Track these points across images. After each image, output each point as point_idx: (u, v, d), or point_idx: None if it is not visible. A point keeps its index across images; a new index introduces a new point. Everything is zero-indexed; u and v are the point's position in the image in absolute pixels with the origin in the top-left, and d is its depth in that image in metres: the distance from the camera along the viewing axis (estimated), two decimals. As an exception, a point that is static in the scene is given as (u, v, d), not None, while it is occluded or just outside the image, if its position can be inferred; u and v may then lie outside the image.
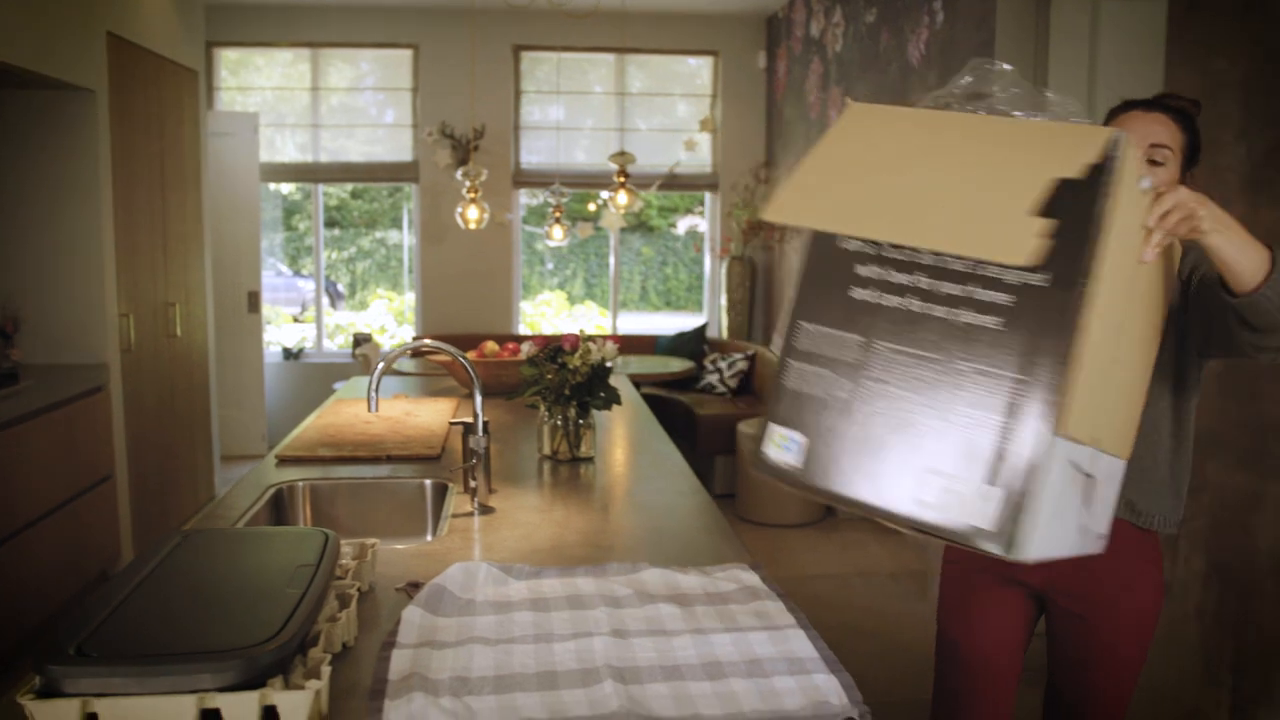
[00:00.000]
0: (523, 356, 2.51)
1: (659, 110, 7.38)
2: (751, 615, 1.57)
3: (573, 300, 10.09)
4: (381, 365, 2.07)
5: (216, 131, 6.30)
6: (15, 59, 3.61)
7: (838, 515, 5.64)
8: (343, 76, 7.29)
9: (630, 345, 7.14)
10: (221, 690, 1.17)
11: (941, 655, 2.01)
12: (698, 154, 7.22)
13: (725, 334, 7.17)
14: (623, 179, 5.60)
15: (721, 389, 6.47)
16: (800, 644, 1.46)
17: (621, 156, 5.64)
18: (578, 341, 2.53)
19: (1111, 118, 1.79)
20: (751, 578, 1.73)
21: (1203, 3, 2.63)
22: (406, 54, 7.09)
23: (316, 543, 1.55)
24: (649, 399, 6.37)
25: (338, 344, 7.81)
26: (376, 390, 2.08)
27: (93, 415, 4.18)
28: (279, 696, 1.19)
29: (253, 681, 1.19)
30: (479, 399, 2.16)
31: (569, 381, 2.50)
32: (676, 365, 6.01)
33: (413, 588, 1.64)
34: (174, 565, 1.48)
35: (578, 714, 1.23)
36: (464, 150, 6.93)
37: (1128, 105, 1.79)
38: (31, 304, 4.25)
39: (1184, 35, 2.71)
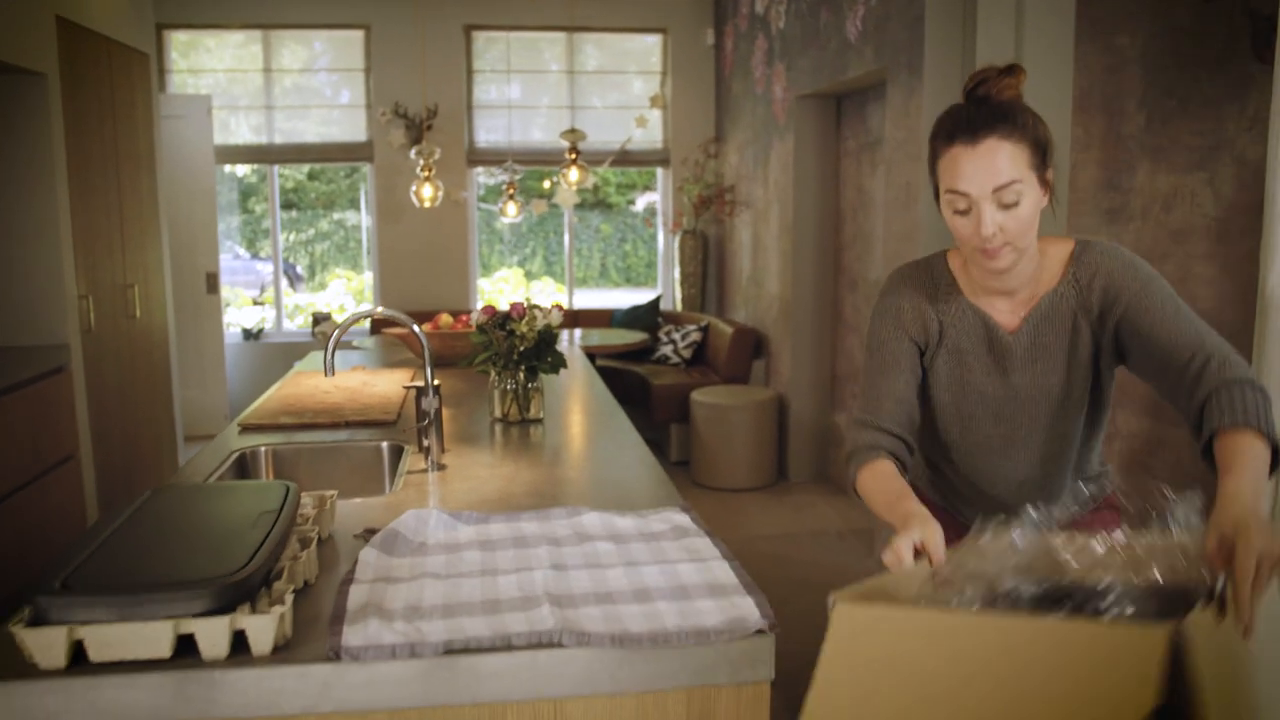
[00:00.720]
0: (472, 325, 2.63)
1: (612, 87, 7.49)
2: (680, 550, 1.72)
3: (530, 277, 10.20)
4: (337, 332, 2.19)
5: (169, 114, 6.34)
6: (-33, 45, 3.66)
7: (789, 480, 5.83)
8: (295, 58, 7.33)
9: (586, 319, 7.27)
10: (195, 616, 1.31)
11: None
12: (649, 130, 7.35)
13: (679, 306, 7.32)
14: (574, 156, 5.71)
15: (676, 360, 6.63)
16: (723, 572, 1.62)
17: (572, 134, 5.75)
18: (524, 309, 2.67)
19: (936, 154, 1.61)
20: (683, 519, 1.88)
21: (1110, -20, 2.80)
22: (358, 35, 7.14)
23: (278, 493, 1.68)
24: (605, 371, 6.52)
25: (297, 324, 7.88)
26: (332, 355, 2.20)
27: (55, 395, 4.25)
28: (247, 620, 1.32)
29: (223, 608, 1.32)
30: (429, 363, 2.29)
31: (517, 348, 2.63)
32: (630, 337, 6.16)
33: (369, 533, 1.78)
34: (146, 514, 1.60)
35: (517, 631, 1.38)
36: (418, 130, 7.00)
37: (949, 136, 1.58)
38: (-10, 287, 4.31)
39: (1090, 12, 2.88)
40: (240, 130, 7.22)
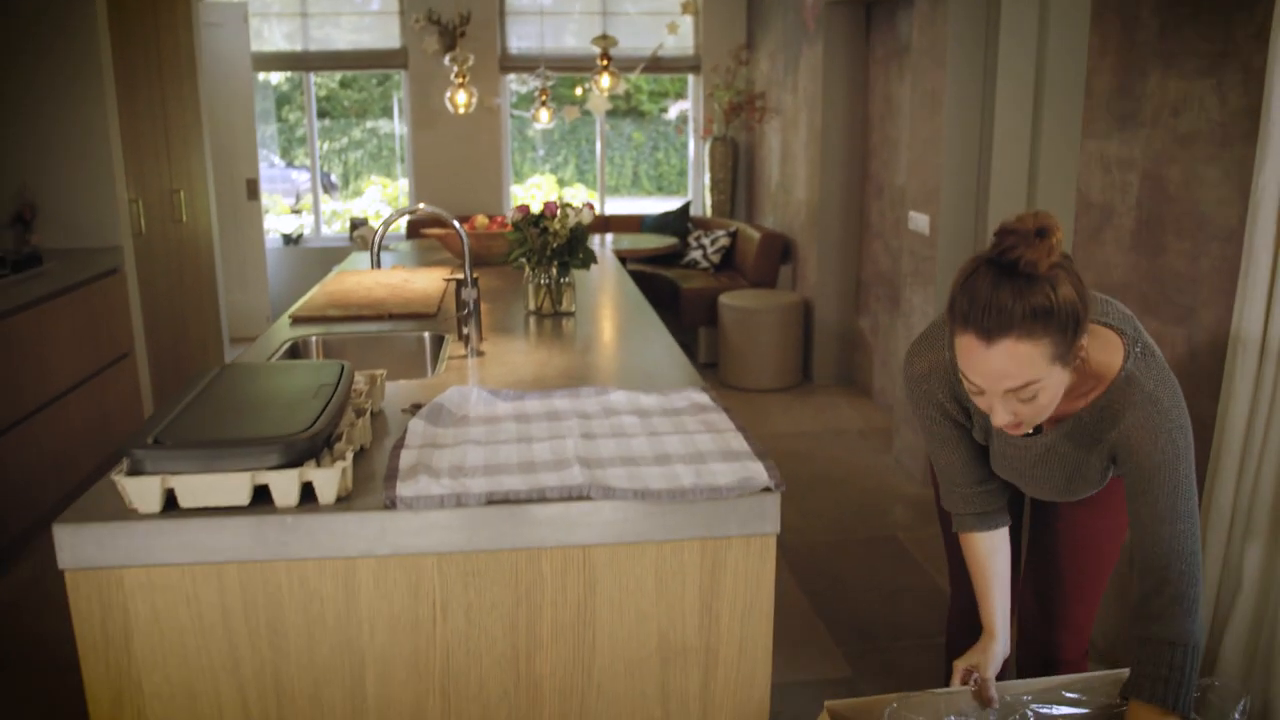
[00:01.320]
0: (508, 225, 2.78)
1: (642, -8, 7.48)
2: (699, 423, 1.89)
3: (562, 184, 10.27)
4: (383, 225, 2.35)
5: (207, 22, 6.43)
6: (18, -47, 3.78)
7: (814, 381, 5.99)
8: (328, -36, 7.36)
9: (617, 225, 7.39)
10: (269, 469, 1.49)
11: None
12: (681, 37, 7.35)
13: (709, 212, 7.41)
14: (605, 62, 5.77)
15: (705, 264, 6.75)
16: (736, 442, 1.78)
17: (604, 40, 5.79)
18: (557, 208, 2.81)
19: (952, 321, 1.47)
20: (702, 397, 2.05)
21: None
22: (390, -61, 7.15)
23: (335, 369, 1.86)
24: (635, 276, 6.66)
25: (334, 230, 8.05)
26: (378, 249, 2.37)
27: (110, 295, 4.47)
28: (314, 473, 1.51)
29: (293, 463, 1.51)
30: (468, 256, 2.45)
31: (550, 244, 2.78)
32: (659, 241, 6.28)
33: (415, 408, 1.96)
34: (219, 386, 1.79)
35: (550, 485, 1.56)
36: (451, 36, 7.05)
37: (964, 319, 1.43)
38: (47, 191, 4.50)
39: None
40: (274, 38, 7.30)
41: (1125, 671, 1.64)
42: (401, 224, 7.41)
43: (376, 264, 2.37)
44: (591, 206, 2.91)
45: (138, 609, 1.51)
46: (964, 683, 1.67)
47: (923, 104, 4.23)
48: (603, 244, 5.56)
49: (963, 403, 1.71)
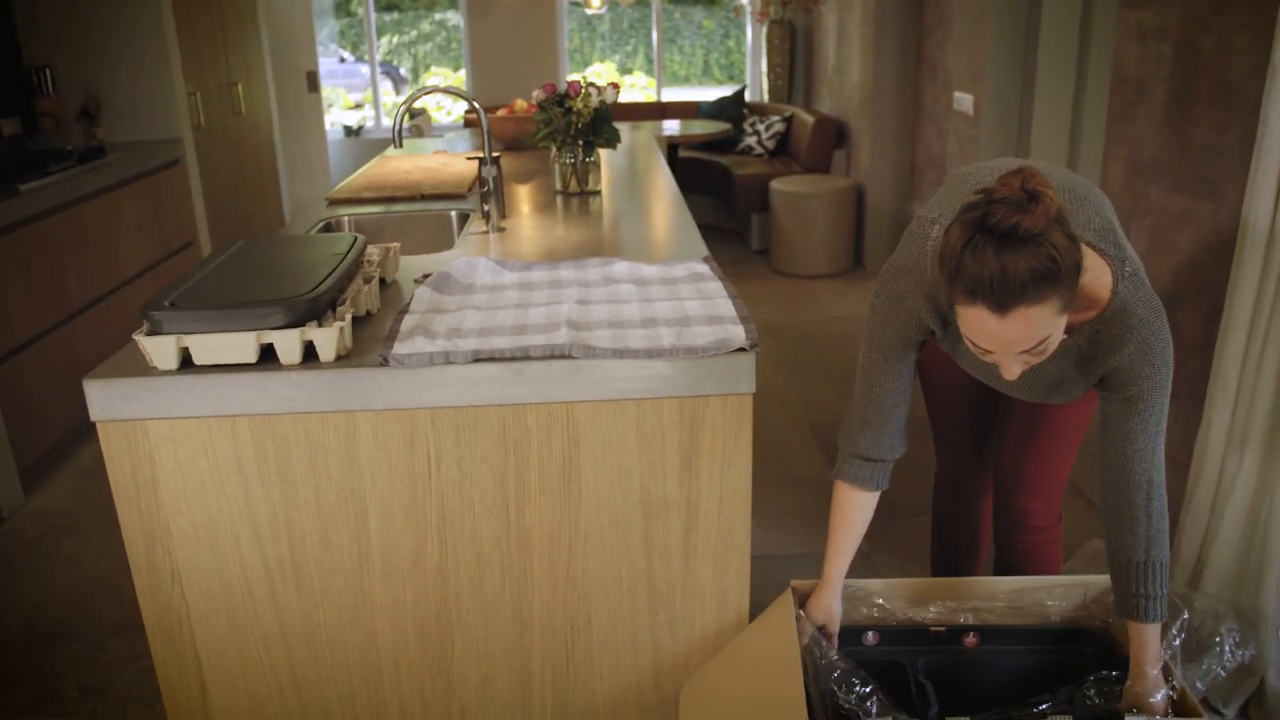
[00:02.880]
0: (527, 106, 2.83)
1: None
2: (693, 290, 1.95)
3: (625, 72, 10.18)
4: (405, 103, 2.42)
5: (262, -89, 6.45)
6: None
7: (865, 267, 5.97)
8: None
9: (674, 111, 7.34)
10: (274, 329, 1.61)
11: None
12: (738, -86, 7.16)
13: (766, 98, 7.31)
14: (655, -58, 5.68)
15: (759, 150, 6.70)
16: (725, 307, 1.85)
17: (654, -81, 5.70)
18: (580, 88, 2.84)
19: (951, 297, 1.43)
20: (702, 267, 2.11)
21: None
22: None
23: (348, 241, 1.96)
24: (689, 162, 6.65)
25: (397, 122, 8.14)
26: (399, 125, 2.44)
27: (172, 186, 4.64)
28: (314, 332, 1.62)
29: (296, 323, 1.62)
30: (487, 136, 2.52)
31: (574, 124, 2.83)
32: (712, 127, 6.24)
33: (427, 278, 2.06)
34: (238, 257, 1.91)
35: (536, 344, 1.65)
36: (504, -80, 6.98)
37: (970, 293, 1.38)
38: (108, 86, 4.65)
39: None
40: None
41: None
42: (459, 111, 7.43)
43: (397, 143, 2.44)
44: (616, 86, 2.93)
45: (162, 458, 1.65)
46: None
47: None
48: (659, 131, 5.55)
49: (943, 314, 1.67)
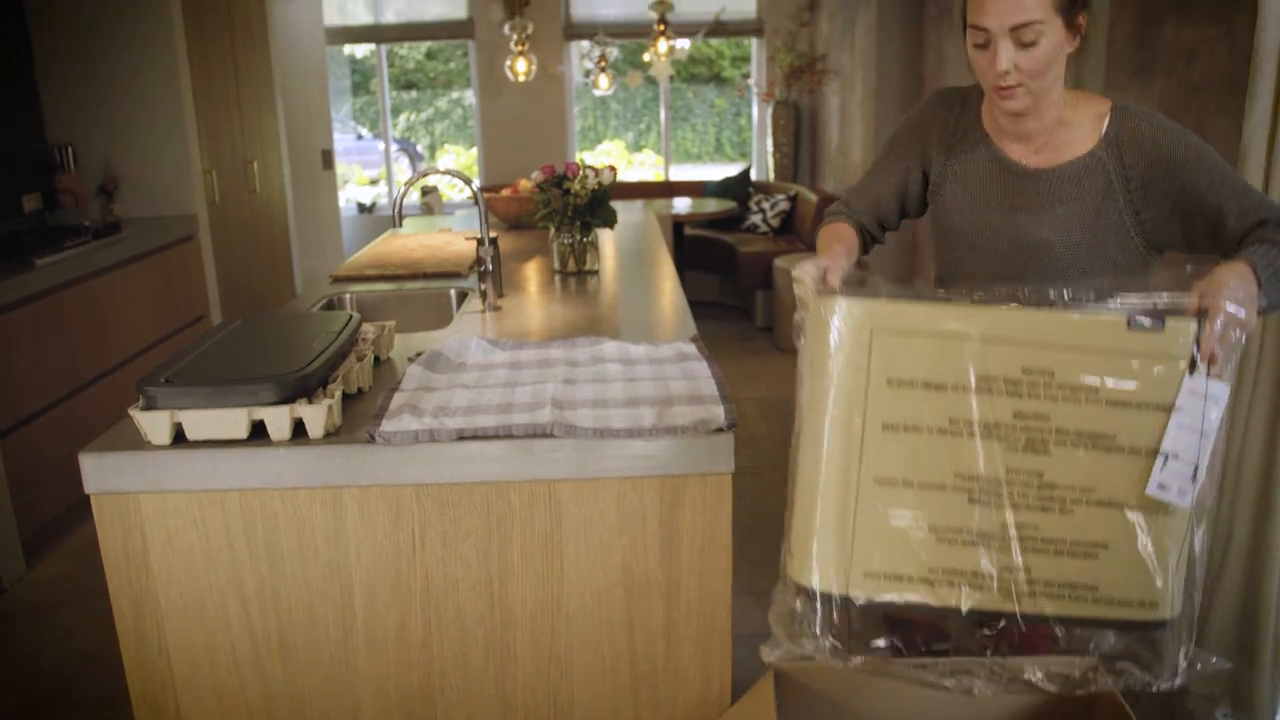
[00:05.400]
0: (531, 185, 2.91)
1: (707, -44, 7.50)
2: (678, 370, 1.99)
3: (635, 150, 10.37)
4: (404, 188, 2.50)
5: (281, -4, 6.67)
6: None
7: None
8: (399, -64, 7.56)
9: (681, 190, 7.47)
10: (264, 405, 1.65)
11: None
12: (742, 1, 7.36)
13: (771, 177, 7.44)
14: (662, 28, 5.85)
15: (764, 228, 6.80)
16: (708, 387, 1.89)
17: (660, 5, 5.88)
18: (578, 169, 2.92)
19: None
20: (689, 348, 2.15)
21: None
22: (458, -89, 7.31)
23: (343, 319, 2.02)
24: (695, 240, 6.75)
25: (413, 199, 8.29)
26: (400, 206, 2.51)
27: (186, 261, 4.74)
28: (304, 409, 1.66)
29: (286, 399, 1.67)
30: (483, 215, 2.59)
31: (570, 204, 2.90)
32: (718, 206, 6.34)
33: (419, 356, 2.11)
34: (235, 334, 1.96)
35: (519, 422, 1.68)
36: (515, 5, 7.19)
37: None
38: (127, 163, 4.78)
39: None
40: (356, 12, 7.53)
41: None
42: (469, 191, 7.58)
43: (397, 223, 2.52)
44: (614, 169, 3.01)
45: (153, 531, 1.69)
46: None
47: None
48: (668, 209, 5.64)
49: (947, 141, 1.83)
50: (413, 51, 9.37)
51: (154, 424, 1.65)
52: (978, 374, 1.34)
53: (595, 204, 2.94)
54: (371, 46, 7.91)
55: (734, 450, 1.70)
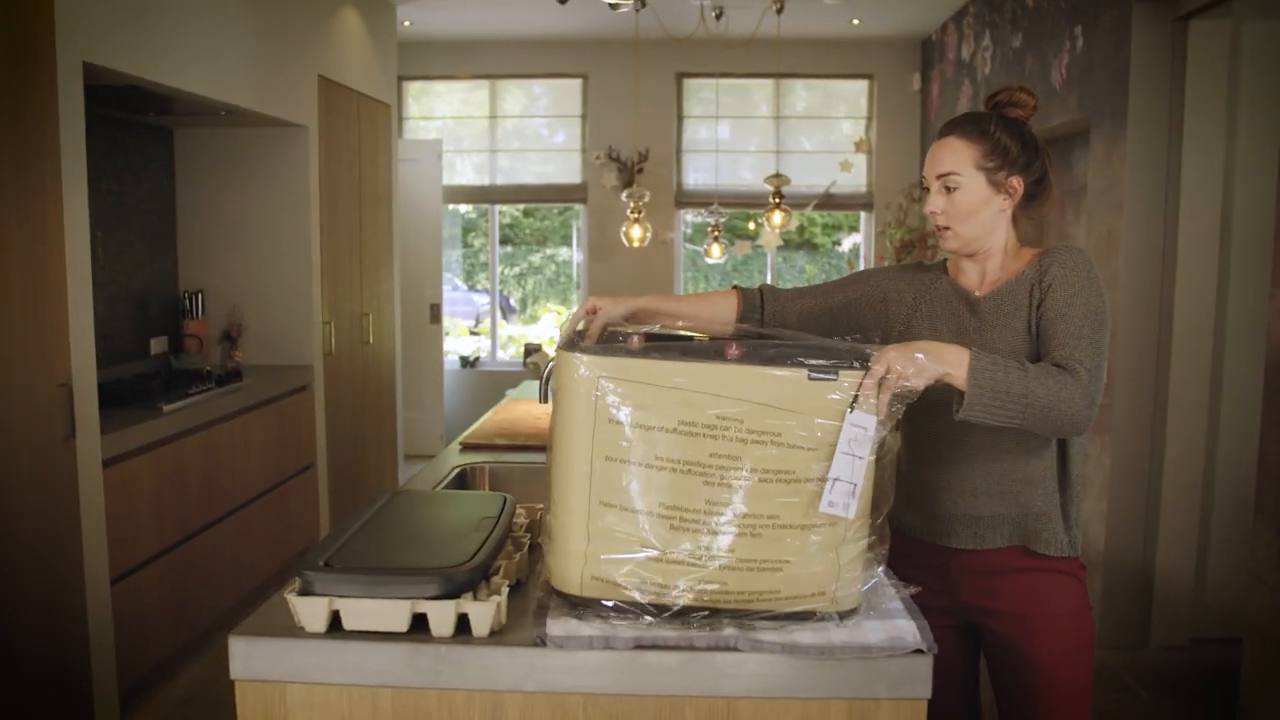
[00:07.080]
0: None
1: (818, 130, 7.64)
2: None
3: (731, 315, 10.39)
4: (551, 364, 2.45)
5: (404, 158, 6.93)
6: (244, 102, 4.21)
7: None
8: (517, 104, 7.85)
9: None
10: (428, 599, 1.55)
11: None
12: (854, 174, 7.44)
13: (877, 348, 7.35)
14: (778, 200, 5.90)
15: (870, 401, 6.67)
16: (892, 602, 1.74)
17: (776, 178, 5.94)
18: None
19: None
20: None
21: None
22: (576, 83, 7.59)
23: (498, 502, 1.93)
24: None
25: (510, 354, 8.37)
26: (547, 383, 2.45)
27: (299, 411, 4.76)
28: (470, 606, 1.56)
29: (451, 594, 1.56)
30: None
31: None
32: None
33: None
34: (388, 512, 1.88)
35: (700, 634, 1.55)
36: (629, 172, 7.36)
37: (939, 131, 1.93)
38: (251, 312, 4.88)
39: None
40: (465, 171, 7.79)
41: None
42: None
43: (544, 399, 2.45)
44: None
45: (297, 726, 1.57)
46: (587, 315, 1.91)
47: (1098, 245, 4.13)
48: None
49: (904, 291, 2.01)
50: (510, 209, 9.63)
51: (311, 611, 1.56)
52: (680, 419, 1.55)
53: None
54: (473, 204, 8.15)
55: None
